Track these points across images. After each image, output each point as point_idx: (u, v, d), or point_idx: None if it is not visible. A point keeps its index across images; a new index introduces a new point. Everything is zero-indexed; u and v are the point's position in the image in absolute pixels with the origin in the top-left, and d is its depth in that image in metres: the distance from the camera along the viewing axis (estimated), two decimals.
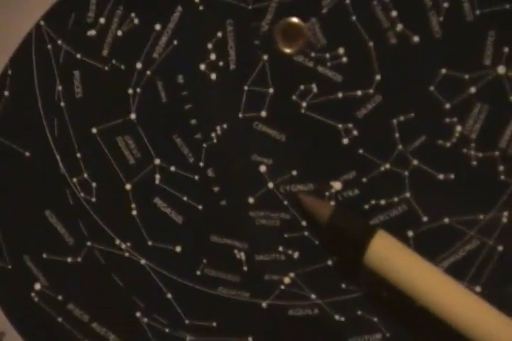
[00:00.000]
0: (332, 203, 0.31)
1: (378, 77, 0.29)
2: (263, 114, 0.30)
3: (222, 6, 0.30)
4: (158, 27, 0.29)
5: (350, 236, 0.30)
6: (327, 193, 0.30)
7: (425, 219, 0.30)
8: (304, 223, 0.30)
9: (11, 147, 0.31)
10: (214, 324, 0.31)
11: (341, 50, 0.29)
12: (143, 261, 0.31)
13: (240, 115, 0.30)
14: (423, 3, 0.29)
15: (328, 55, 0.29)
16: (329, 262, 0.30)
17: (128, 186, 0.30)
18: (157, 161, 0.30)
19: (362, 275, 0.30)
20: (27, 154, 0.30)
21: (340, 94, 0.30)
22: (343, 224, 0.29)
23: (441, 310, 0.29)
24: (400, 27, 0.29)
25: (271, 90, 0.30)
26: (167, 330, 0.31)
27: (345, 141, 0.30)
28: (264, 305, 0.31)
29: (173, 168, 0.30)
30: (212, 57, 0.30)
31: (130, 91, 0.30)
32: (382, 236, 0.29)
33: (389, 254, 0.29)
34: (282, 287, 0.30)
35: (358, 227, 0.30)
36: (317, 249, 0.30)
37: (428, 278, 0.29)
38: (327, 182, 0.30)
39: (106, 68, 0.30)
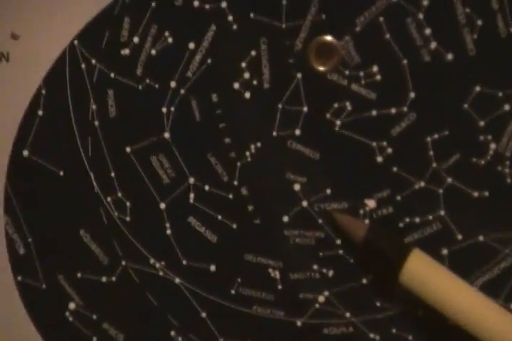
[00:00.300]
0: (367, 221, 0.30)
1: (412, 95, 0.29)
2: (297, 132, 0.30)
3: (256, 25, 0.30)
4: (192, 46, 0.29)
5: (386, 255, 0.29)
6: (361, 211, 0.30)
7: (460, 237, 0.30)
8: (338, 241, 0.29)
9: (45, 166, 0.30)
10: None
11: (375, 68, 0.29)
12: (177, 280, 0.31)
13: (274, 133, 0.30)
14: (457, 20, 0.29)
15: (362, 73, 0.29)
16: (364, 280, 0.30)
17: (162, 205, 0.30)
18: (191, 180, 0.30)
19: (397, 294, 0.29)
20: (61, 173, 0.30)
21: (374, 112, 0.29)
22: (378, 243, 0.29)
23: (478, 329, 0.28)
24: (433, 45, 0.29)
25: (305, 108, 0.30)
26: None
27: (380, 159, 0.30)
28: (298, 323, 0.30)
29: (207, 187, 0.30)
30: (246, 75, 0.30)
31: (164, 110, 0.29)
32: (418, 256, 0.29)
33: (424, 273, 0.29)
34: (317, 305, 0.30)
35: (393, 246, 0.30)
36: (352, 267, 0.30)
37: (464, 297, 0.29)
38: (361, 201, 0.30)
39: (140, 87, 0.30)
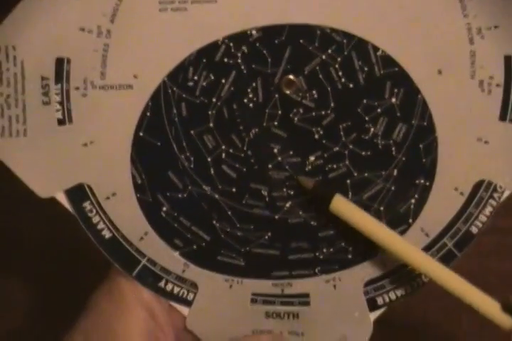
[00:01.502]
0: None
1: (332, 104, 0.41)
2: (275, 123, 0.41)
3: (255, 71, 0.41)
4: (223, 81, 0.41)
5: (321, 195, 0.42)
6: (307, 162, 0.41)
7: (355, 174, 0.42)
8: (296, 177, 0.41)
9: (150, 140, 0.42)
10: (251, 227, 0.42)
11: (314, 92, 0.41)
12: (216, 196, 0.42)
13: (264, 124, 0.42)
14: (354, 67, 0.41)
15: (307, 94, 0.41)
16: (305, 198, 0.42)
17: (209, 159, 0.42)
18: (223, 147, 0.42)
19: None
20: (158, 144, 0.41)
21: (313, 113, 0.41)
22: (318, 191, 0.42)
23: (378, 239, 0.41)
24: (343, 79, 0.40)
25: (279, 112, 0.41)
26: (228, 230, 0.43)
27: (316, 136, 0.41)
28: (276, 217, 0.43)
29: (231, 150, 0.41)
30: (250, 95, 0.41)
31: (209, 112, 0.41)
32: (338, 196, 0.41)
33: (343, 206, 0.41)
34: (285, 208, 0.43)
35: (325, 192, 0.42)
36: (299, 189, 0.42)
37: (365, 220, 0.41)
38: (307, 156, 0.42)
39: (197, 101, 0.41)
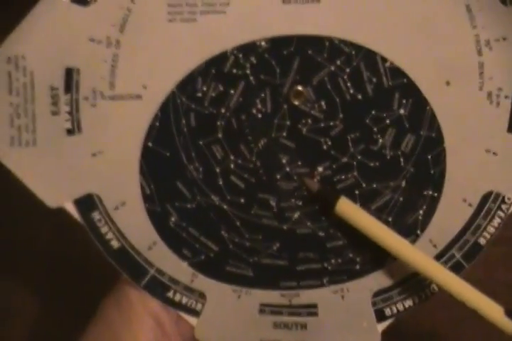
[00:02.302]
0: (318, 179, 0.41)
1: (341, 115, 0.41)
2: (284, 134, 0.41)
3: (264, 81, 0.41)
4: (232, 91, 0.41)
5: (327, 199, 0.41)
6: (315, 172, 0.41)
7: (364, 185, 0.42)
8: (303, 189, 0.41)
9: (159, 150, 0.41)
10: (260, 237, 0.42)
11: (323, 102, 0.41)
12: (225, 207, 0.42)
13: (273, 135, 0.41)
14: (363, 78, 0.40)
15: (316, 105, 0.41)
16: (316, 206, 0.41)
17: (217, 170, 0.42)
18: (232, 157, 0.41)
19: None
20: (167, 154, 0.41)
21: (322, 124, 0.41)
22: (323, 193, 0.42)
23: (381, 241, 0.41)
24: (351, 90, 0.40)
25: (288, 122, 0.41)
26: (237, 240, 0.42)
27: (325, 147, 0.41)
28: (284, 227, 0.42)
29: (239, 161, 0.41)
30: (259, 106, 0.41)
31: (218, 123, 0.41)
32: (343, 198, 0.41)
33: (347, 209, 0.41)
34: (293, 219, 0.42)
35: (330, 194, 0.42)
36: (310, 198, 0.41)
37: (368, 221, 0.41)
38: (315, 167, 0.42)
39: (206, 112, 0.41)
